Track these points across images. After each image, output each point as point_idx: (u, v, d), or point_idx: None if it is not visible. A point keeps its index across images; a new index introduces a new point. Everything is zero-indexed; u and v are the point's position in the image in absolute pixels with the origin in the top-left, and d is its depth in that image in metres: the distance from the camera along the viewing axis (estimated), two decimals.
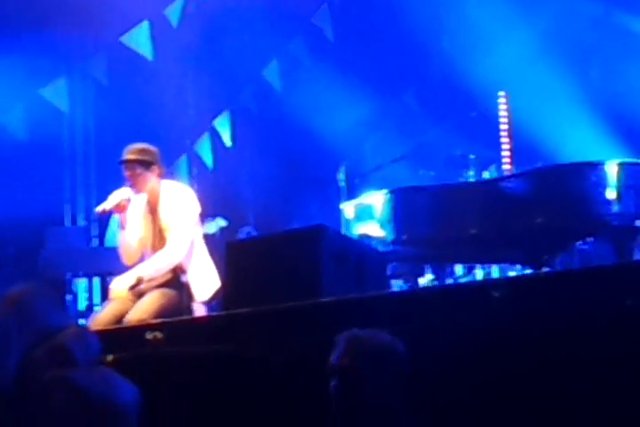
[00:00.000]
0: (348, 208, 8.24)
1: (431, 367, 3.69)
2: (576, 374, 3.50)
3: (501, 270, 8.90)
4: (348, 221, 8.20)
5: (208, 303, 6.25)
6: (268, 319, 4.49)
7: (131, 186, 6.15)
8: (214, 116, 12.21)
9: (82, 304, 11.30)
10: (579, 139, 10.12)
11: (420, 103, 12.20)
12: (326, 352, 3.44)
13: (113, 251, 7.13)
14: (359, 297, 4.48)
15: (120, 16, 10.97)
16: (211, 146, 12.20)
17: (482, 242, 7.27)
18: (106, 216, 7.41)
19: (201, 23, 12.08)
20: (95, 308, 10.42)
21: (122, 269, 6.30)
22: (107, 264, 8.77)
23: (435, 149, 9.42)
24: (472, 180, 8.31)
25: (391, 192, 7.65)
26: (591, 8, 10.93)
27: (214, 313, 6.20)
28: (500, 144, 9.27)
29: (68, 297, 10.61)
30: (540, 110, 10.37)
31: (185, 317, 5.83)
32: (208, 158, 12.22)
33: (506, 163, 9.06)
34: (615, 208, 6.71)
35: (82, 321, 7.56)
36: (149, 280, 6.12)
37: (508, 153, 9.16)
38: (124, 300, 6.05)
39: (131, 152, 6.16)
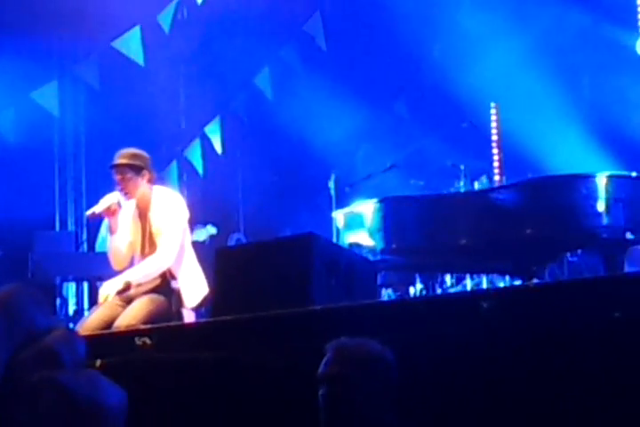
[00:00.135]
0: (339, 216, 8.26)
1: (420, 376, 3.70)
2: (564, 386, 3.51)
3: (490, 281, 8.91)
4: (339, 230, 8.22)
5: (197, 310, 6.25)
6: (258, 327, 4.49)
7: (121, 190, 6.15)
8: (205, 123, 12.22)
9: (71, 309, 11.29)
10: (568, 150, 10.15)
11: (411, 113, 12.24)
12: (315, 360, 3.44)
13: (102, 256, 7.14)
14: (349, 306, 4.49)
15: (112, 21, 10.97)
16: (201, 152, 12.21)
17: (471, 252, 7.29)
18: (96, 221, 7.41)
19: (193, 29, 12.11)
20: (84, 312, 10.40)
21: (111, 274, 6.30)
22: (96, 269, 8.78)
23: (425, 159, 9.45)
24: (462, 190, 8.32)
25: (381, 201, 7.67)
26: (581, 20, 10.98)
27: (203, 320, 6.20)
28: (490, 155, 9.30)
29: (58, 302, 10.60)
30: (530, 121, 10.41)
31: (174, 323, 5.82)
32: (198, 165, 12.22)
33: (496, 174, 9.09)
34: (604, 221, 6.74)
35: (71, 326, 7.54)
36: (138, 285, 6.11)
37: (497, 164, 9.19)
38: (113, 305, 6.04)
39: (122, 156, 6.16)
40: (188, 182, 12.08)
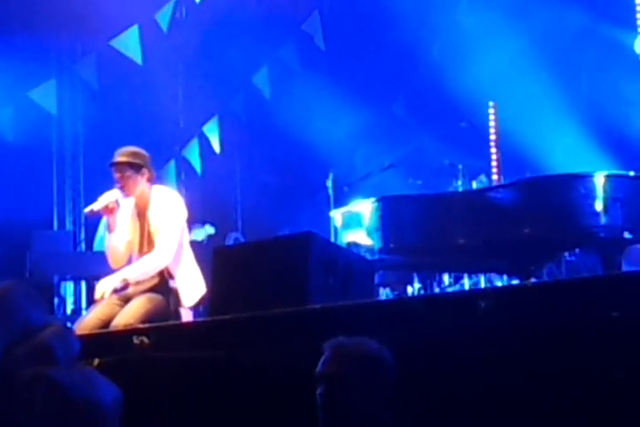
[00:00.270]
0: (336, 216, 8.26)
1: (418, 375, 3.70)
2: (562, 385, 3.51)
3: (488, 280, 8.92)
4: (337, 229, 8.22)
5: (195, 309, 6.25)
6: (255, 326, 4.49)
7: (120, 188, 6.15)
8: (204, 122, 12.22)
9: (68, 308, 11.29)
10: (566, 149, 10.16)
11: (410, 112, 12.24)
12: (313, 359, 3.44)
13: (100, 255, 7.14)
14: (346, 305, 4.49)
15: (110, 20, 10.97)
16: (199, 152, 12.21)
17: (469, 251, 7.29)
18: (94, 219, 7.41)
19: (191, 29, 12.11)
20: (82, 312, 10.40)
21: (109, 273, 6.29)
22: (94, 268, 8.77)
23: (423, 158, 9.46)
24: (460, 189, 8.33)
25: (379, 200, 7.66)
26: (579, 19, 10.98)
27: (201, 319, 6.20)
28: (488, 154, 9.30)
29: (55, 301, 10.60)
30: (528, 121, 10.41)
31: (172, 322, 5.82)
32: (197, 164, 12.22)
33: (494, 173, 9.10)
34: (602, 220, 6.74)
35: (68, 325, 7.54)
36: (135, 284, 6.11)
37: (495, 163, 9.20)
38: (111, 304, 6.04)
39: (122, 154, 6.16)
40: (186, 182, 12.08)
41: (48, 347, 1.89)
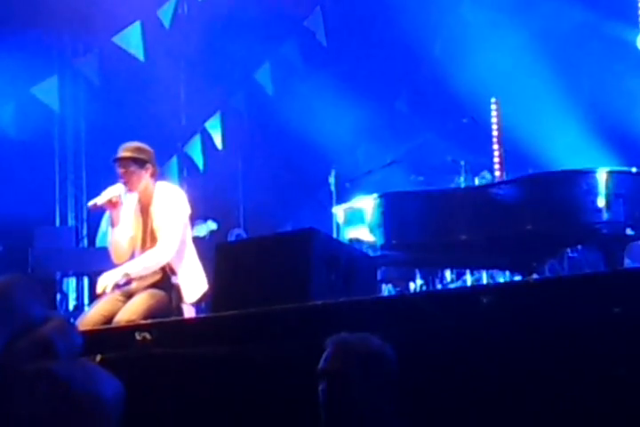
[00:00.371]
0: (339, 212, 8.26)
1: (420, 371, 3.70)
2: (563, 381, 3.51)
3: (490, 277, 8.92)
4: (339, 225, 8.22)
5: (197, 305, 6.26)
6: (257, 322, 4.50)
7: (124, 184, 6.15)
8: (206, 118, 12.22)
9: (71, 304, 11.30)
10: (569, 146, 10.15)
11: (412, 108, 12.24)
12: (315, 356, 3.44)
13: (102, 251, 7.14)
14: (349, 301, 4.49)
15: (112, 16, 10.97)
16: (202, 148, 12.20)
17: (471, 248, 7.29)
18: (96, 216, 7.41)
19: (193, 25, 12.10)
20: (84, 308, 10.41)
21: (111, 268, 6.29)
22: (96, 264, 8.76)
23: (426, 155, 9.44)
24: (462, 186, 8.32)
25: (381, 196, 7.66)
26: (581, 16, 10.97)
27: (203, 315, 6.20)
28: (490, 150, 9.30)
29: (58, 297, 10.61)
30: (530, 117, 10.40)
31: (174, 318, 5.83)
32: (199, 160, 12.22)
33: (496, 169, 9.09)
34: (605, 216, 6.73)
35: (71, 321, 7.54)
36: (138, 279, 6.12)
37: (498, 159, 9.19)
38: (114, 300, 6.05)
39: (126, 150, 6.17)
40: (189, 178, 12.08)
41: (49, 341, 1.88)
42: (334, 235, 8.18)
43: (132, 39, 11.61)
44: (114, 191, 6.16)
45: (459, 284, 9.13)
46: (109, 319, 5.91)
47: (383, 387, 3.35)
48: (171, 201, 6.16)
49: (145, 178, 6.16)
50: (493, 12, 11.01)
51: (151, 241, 6.16)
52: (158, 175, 6.37)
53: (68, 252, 10.86)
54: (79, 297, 11.55)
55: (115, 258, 6.26)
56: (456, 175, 8.50)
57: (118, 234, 6.22)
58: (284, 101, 11.78)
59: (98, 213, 7.56)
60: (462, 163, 8.52)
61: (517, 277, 8.10)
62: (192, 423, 4.44)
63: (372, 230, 7.59)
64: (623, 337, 3.43)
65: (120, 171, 6.13)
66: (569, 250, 7.68)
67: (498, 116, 9.37)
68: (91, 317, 6.03)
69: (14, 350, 1.77)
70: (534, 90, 10.68)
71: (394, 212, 7.57)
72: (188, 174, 12.21)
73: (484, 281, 8.88)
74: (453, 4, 11.73)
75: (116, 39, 11.51)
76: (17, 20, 10.90)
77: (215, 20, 11.86)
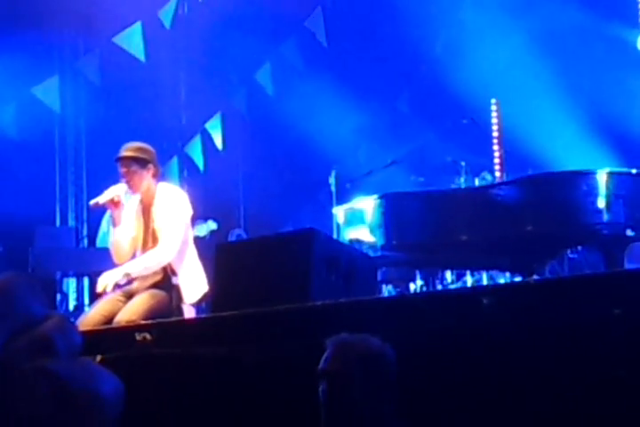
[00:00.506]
0: (339, 212, 8.26)
1: (420, 372, 3.70)
2: (563, 382, 3.52)
3: (491, 277, 8.92)
4: (339, 226, 8.23)
5: (197, 305, 6.26)
6: (257, 322, 4.49)
7: (126, 183, 6.16)
8: (206, 119, 12.22)
9: (71, 304, 11.30)
10: (569, 146, 10.16)
11: (412, 109, 12.24)
12: (315, 356, 3.45)
13: (102, 251, 7.14)
14: (349, 302, 4.49)
15: (113, 16, 10.97)
16: (202, 148, 12.21)
17: (472, 248, 7.29)
18: (96, 216, 7.40)
19: (194, 25, 12.11)
20: (84, 308, 10.41)
21: (111, 269, 6.29)
22: (96, 264, 8.76)
23: (426, 155, 9.45)
24: (463, 186, 8.33)
25: (381, 197, 7.67)
26: (582, 16, 10.97)
27: (203, 315, 6.20)
28: (491, 151, 9.31)
29: (58, 297, 10.61)
30: (530, 118, 10.41)
31: (174, 318, 5.83)
32: (199, 161, 12.23)
33: (497, 170, 9.10)
34: (605, 217, 6.73)
35: None
36: (137, 279, 6.12)
37: (498, 160, 9.20)
38: (114, 300, 6.05)
39: (128, 149, 6.18)
40: (189, 178, 12.09)
41: (48, 339, 1.89)
42: (334, 235, 8.18)
43: (132, 39, 11.61)
44: (115, 191, 6.16)
45: (459, 285, 9.13)
46: (110, 319, 5.92)
47: (383, 387, 3.35)
48: (172, 202, 6.17)
49: (147, 178, 6.17)
50: (493, 12, 11.00)
51: (152, 242, 6.16)
52: (159, 176, 6.38)
53: (69, 252, 10.86)
54: (79, 297, 11.55)
55: (116, 258, 6.26)
56: (456, 176, 8.51)
57: (119, 234, 6.22)
58: (284, 102, 11.79)
59: (98, 213, 7.57)
60: (462, 163, 8.53)
61: (518, 278, 8.10)
62: (192, 424, 4.45)
63: (372, 231, 7.60)
64: (623, 338, 3.42)
65: (122, 170, 6.14)
66: (569, 251, 7.68)
67: (498, 117, 9.38)
68: (91, 317, 6.03)
69: (14, 349, 1.78)
70: (534, 91, 10.69)
71: (394, 212, 7.57)
72: (189, 175, 12.22)
73: (485, 282, 8.89)
74: (454, 4, 11.73)
75: (117, 39, 11.51)
76: (18, 21, 10.90)
77: (216, 21, 11.87)
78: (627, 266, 6.79)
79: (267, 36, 11.88)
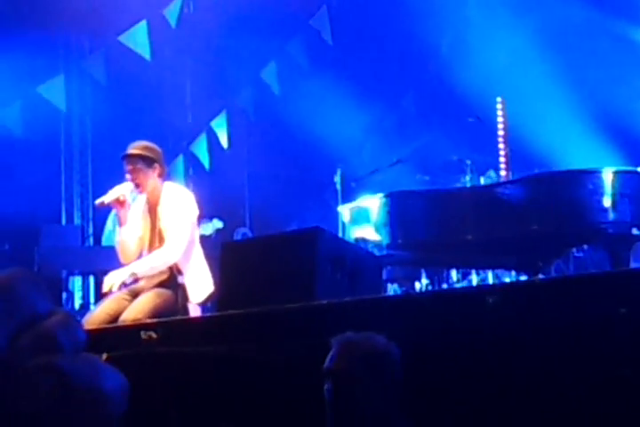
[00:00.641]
0: (344, 211, 8.26)
1: (425, 371, 3.70)
2: (568, 381, 3.51)
3: (496, 276, 8.91)
4: (345, 224, 8.23)
5: (203, 305, 6.26)
6: (263, 321, 4.50)
7: (132, 181, 6.16)
8: (212, 117, 12.22)
9: (77, 303, 11.31)
10: (575, 145, 10.15)
11: (418, 107, 12.23)
12: (321, 355, 3.44)
13: (108, 250, 7.15)
14: (354, 300, 4.49)
15: (118, 15, 10.97)
16: (207, 147, 12.21)
17: (477, 247, 7.28)
18: (102, 215, 7.41)
19: (199, 24, 12.10)
20: (90, 306, 10.42)
21: (117, 267, 6.30)
22: (102, 263, 8.78)
23: (431, 154, 9.44)
24: (468, 185, 8.32)
25: (387, 196, 7.66)
26: (587, 14, 10.96)
27: (208, 314, 6.20)
28: (496, 150, 9.29)
29: (64, 295, 10.62)
30: (536, 116, 10.40)
31: (180, 317, 5.83)
32: (205, 159, 12.23)
33: (502, 169, 9.08)
34: (611, 216, 6.73)
35: None
36: (143, 278, 6.12)
37: (504, 159, 9.18)
38: (120, 299, 6.06)
39: (134, 148, 6.19)
40: (195, 177, 12.09)
41: (53, 335, 1.88)
42: (340, 234, 8.18)
43: (138, 38, 11.60)
44: (121, 190, 6.17)
45: (464, 283, 9.12)
46: (115, 318, 5.92)
47: (388, 386, 3.35)
48: (179, 201, 6.17)
49: (152, 177, 6.18)
50: (499, 10, 11.00)
51: (159, 241, 6.17)
52: (165, 176, 6.38)
53: (74, 250, 10.88)
54: (85, 296, 11.57)
55: (122, 258, 6.27)
56: (462, 175, 8.50)
57: (126, 234, 6.23)
58: (289, 100, 11.79)
59: (104, 211, 7.58)
60: (468, 162, 8.52)
61: (523, 277, 8.08)
62: (197, 422, 4.45)
63: (377, 230, 7.59)
64: (629, 337, 3.42)
65: (128, 167, 6.15)
66: (575, 250, 7.67)
67: (504, 116, 9.36)
68: (97, 315, 6.04)
69: (18, 344, 1.78)
70: (540, 89, 10.68)
71: (399, 211, 7.57)
72: (194, 173, 12.23)
73: (490, 281, 8.88)
74: (460, 2, 11.72)
75: (123, 38, 11.51)
76: (23, 20, 10.91)
77: (221, 20, 11.86)
78: (632, 265, 6.78)
79: (272, 35, 11.87)
